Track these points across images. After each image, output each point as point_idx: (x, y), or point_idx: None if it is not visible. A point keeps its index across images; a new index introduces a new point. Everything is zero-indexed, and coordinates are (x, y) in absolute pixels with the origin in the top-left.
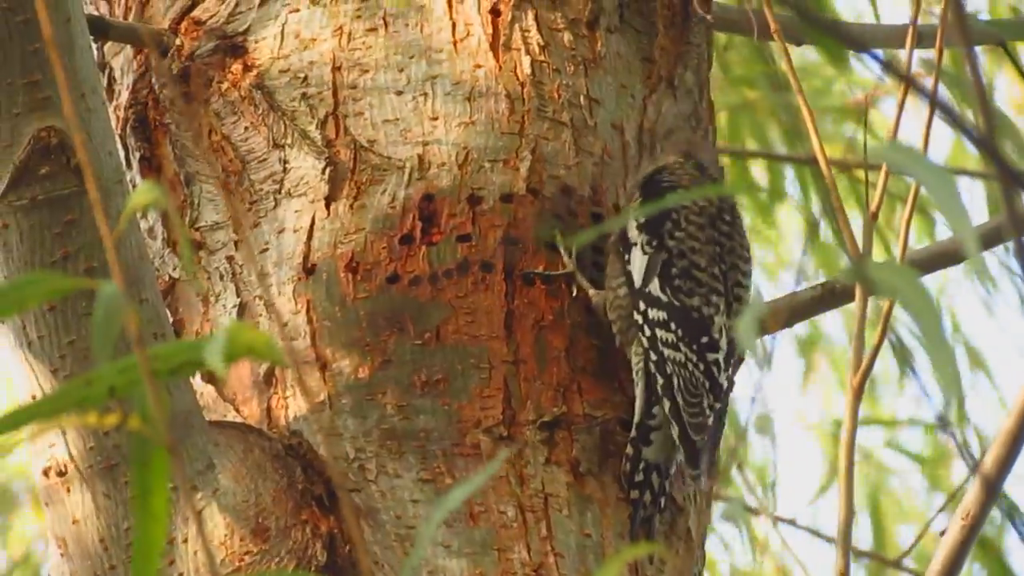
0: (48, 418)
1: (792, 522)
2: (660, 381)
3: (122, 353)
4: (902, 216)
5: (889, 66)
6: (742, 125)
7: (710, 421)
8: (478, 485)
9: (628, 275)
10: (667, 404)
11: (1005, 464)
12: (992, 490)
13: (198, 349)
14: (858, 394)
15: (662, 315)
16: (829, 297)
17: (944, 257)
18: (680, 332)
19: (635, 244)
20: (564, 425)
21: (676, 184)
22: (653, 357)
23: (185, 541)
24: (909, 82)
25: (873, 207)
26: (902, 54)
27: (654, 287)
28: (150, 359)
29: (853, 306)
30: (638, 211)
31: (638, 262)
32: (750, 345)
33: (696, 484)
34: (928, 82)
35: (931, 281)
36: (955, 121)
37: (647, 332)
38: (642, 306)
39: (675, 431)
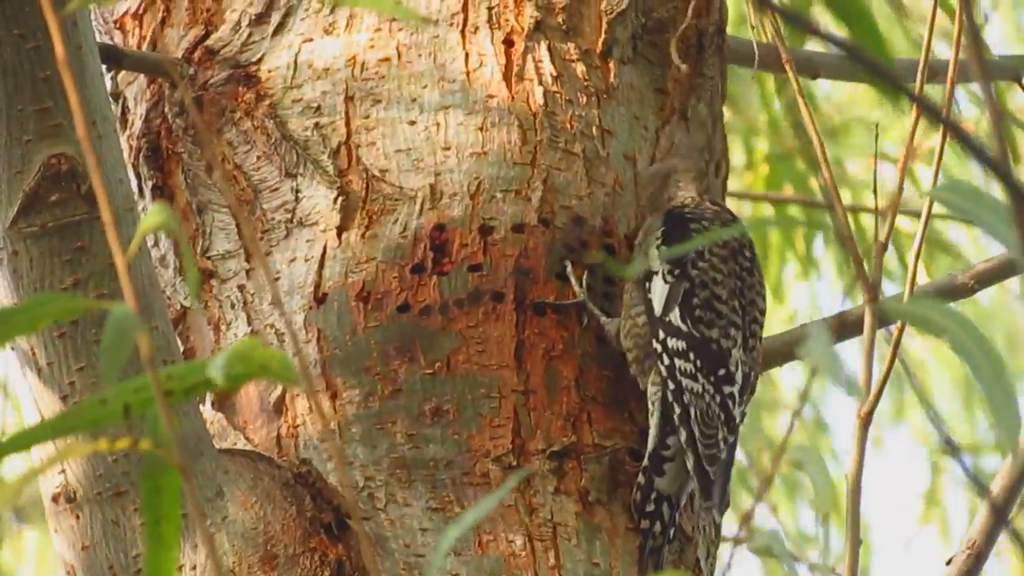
0: (63, 436)
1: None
2: (677, 410)
3: (133, 376)
4: (926, 250)
5: (915, 98)
6: (783, 174)
7: (723, 454)
8: (487, 511)
9: (648, 303)
10: (683, 434)
11: (1013, 491)
12: (1000, 516)
13: (209, 368)
14: (866, 425)
15: (682, 345)
16: (841, 328)
17: (950, 292)
18: (699, 363)
19: (656, 272)
20: (573, 455)
21: (700, 217)
22: (671, 386)
23: (193, 568)
24: (920, 104)
25: (883, 238)
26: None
27: (675, 316)
28: (164, 379)
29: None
30: (671, 249)
31: (659, 290)
32: (831, 369)
33: (710, 516)
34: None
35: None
36: (968, 144)
37: (666, 361)
38: (661, 335)
39: (690, 461)
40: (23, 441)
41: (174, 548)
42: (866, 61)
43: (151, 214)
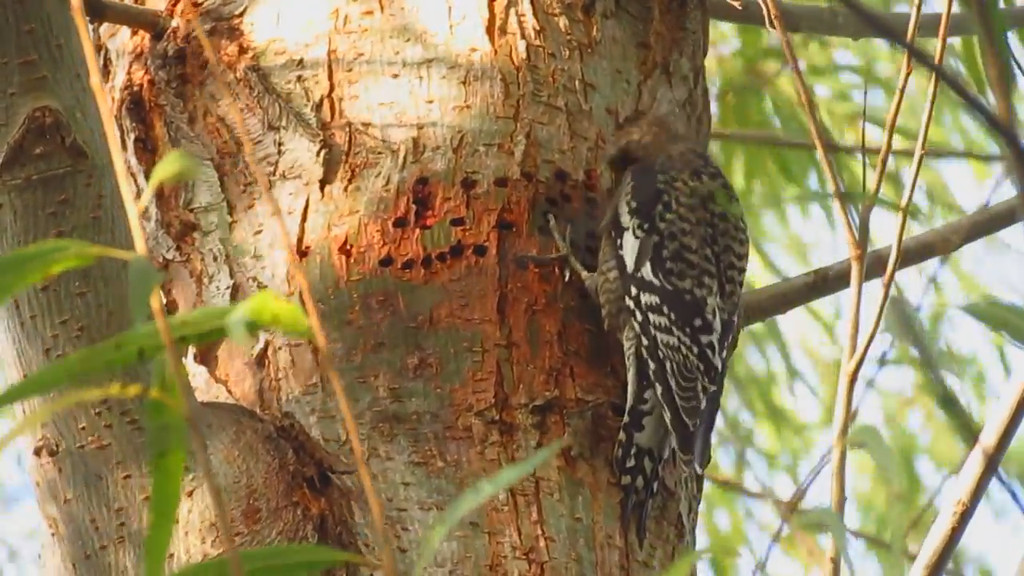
0: (77, 378)
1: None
2: (652, 366)
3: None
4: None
5: (915, 51)
6: (748, 108)
7: (704, 405)
8: (482, 500)
9: (619, 259)
10: (659, 388)
11: (1004, 439)
12: (991, 465)
13: (224, 316)
14: (852, 381)
15: (654, 299)
16: (822, 283)
17: (934, 247)
18: (673, 316)
19: (627, 229)
20: (556, 409)
21: (668, 168)
22: (645, 342)
23: (176, 522)
24: (909, 49)
25: (872, 190)
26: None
27: (646, 271)
28: (178, 326)
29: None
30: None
31: (630, 246)
32: (922, 347)
33: (689, 468)
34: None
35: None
36: (967, 98)
37: (639, 317)
38: (634, 291)
39: (667, 416)
40: (37, 384)
41: (177, 479)
42: (861, 11)
43: (169, 161)
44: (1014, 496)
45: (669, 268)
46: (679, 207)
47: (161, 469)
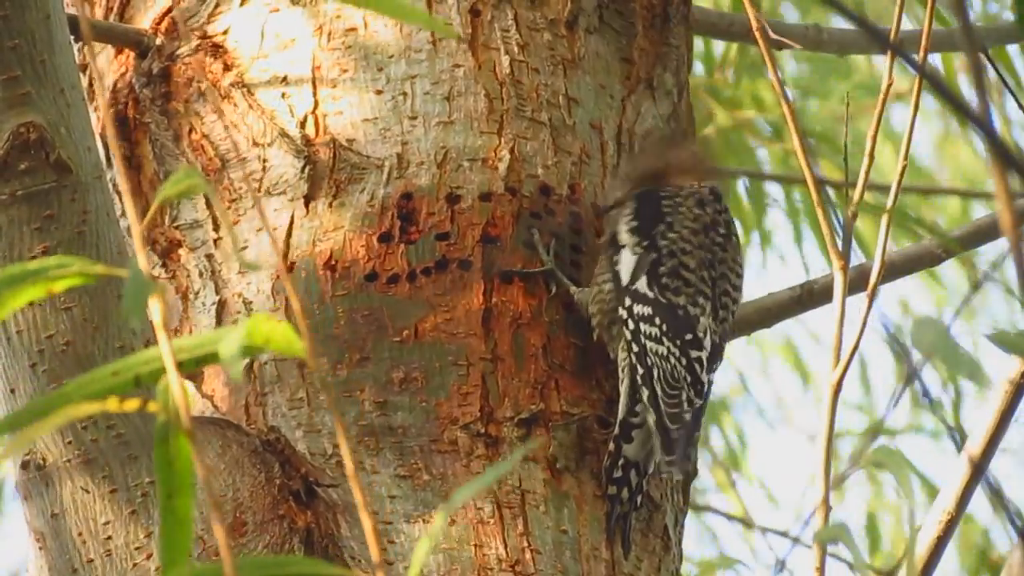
0: (76, 403)
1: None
2: (640, 371)
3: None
4: (881, 222)
5: (897, 51)
6: (729, 146)
7: (688, 416)
8: (465, 498)
9: (615, 273)
10: (645, 392)
11: (991, 445)
12: (978, 471)
13: (218, 341)
14: (836, 392)
15: (647, 310)
16: (807, 297)
17: (920, 260)
18: (664, 327)
19: (624, 246)
20: (541, 422)
21: (674, 194)
22: (635, 348)
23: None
24: (893, 49)
25: (852, 207)
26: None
27: (641, 284)
28: (175, 351)
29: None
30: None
31: (627, 261)
32: (952, 359)
33: (669, 469)
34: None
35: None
36: (950, 99)
37: (631, 326)
38: (627, 301)
39: (651, 418)
40: (34, 412)
41: (188, 522)
42: (857, 19)
43: (178, 178)
44: (1004, 503)
45: (665, 283)
46: (682, 229)
47: (170, 511)
